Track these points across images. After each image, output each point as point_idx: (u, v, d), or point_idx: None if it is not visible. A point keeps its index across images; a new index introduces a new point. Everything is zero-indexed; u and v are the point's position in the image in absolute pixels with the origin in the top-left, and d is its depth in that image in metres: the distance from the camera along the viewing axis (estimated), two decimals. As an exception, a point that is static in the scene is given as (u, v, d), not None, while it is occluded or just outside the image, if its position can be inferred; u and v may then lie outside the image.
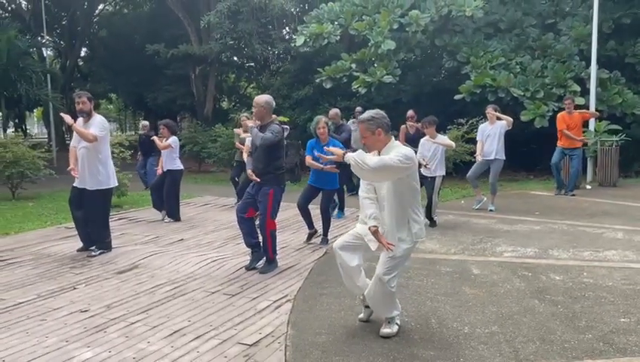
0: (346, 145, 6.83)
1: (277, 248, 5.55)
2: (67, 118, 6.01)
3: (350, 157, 3.46)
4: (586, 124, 11.59)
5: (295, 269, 5.41)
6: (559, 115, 10.13)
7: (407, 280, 4.85)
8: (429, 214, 7.31)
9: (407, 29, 12.93)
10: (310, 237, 6.65)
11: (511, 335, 3.61)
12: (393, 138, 3.62)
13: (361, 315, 3.97)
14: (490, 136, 8.28)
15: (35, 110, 38.27)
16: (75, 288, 4.91)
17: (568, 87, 11.64)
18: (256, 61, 21.82)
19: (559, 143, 10.00)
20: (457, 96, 12.21)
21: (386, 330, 3.64)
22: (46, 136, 33.45)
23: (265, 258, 5.41)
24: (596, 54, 11.49)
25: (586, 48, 12.31)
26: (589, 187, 10.73)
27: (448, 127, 11.35)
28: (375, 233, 3.51)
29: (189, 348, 3.55)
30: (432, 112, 13.61)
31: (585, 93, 11.73)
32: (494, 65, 12.19)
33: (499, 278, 4.85)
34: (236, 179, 10.05)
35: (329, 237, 6.57)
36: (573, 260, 5.42)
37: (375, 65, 13.06)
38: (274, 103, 5.39)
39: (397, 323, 3.68)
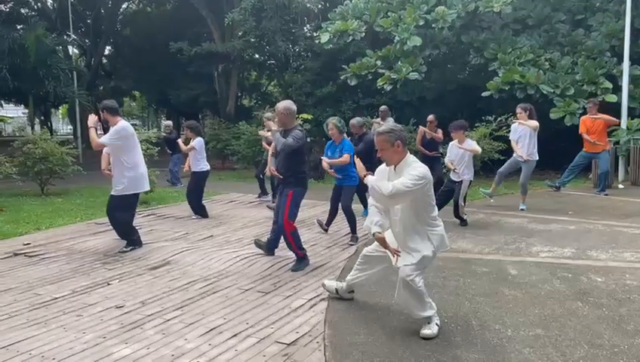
0: (365, 156, 6.09)
1: (305, 245, 5.49)
2: (90, 120, 5.96)
3: (368, 181, 3.55)
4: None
5: (327, 268, 5.35)
6: (582, 118, 9.86)
7: (443, 281, 4.75)
8: (457, 214, 7.20)
9: (433, 25, 12.78)
10: (320, 225, 7.07)
11: (557, 338, 3.50)
12: (409, 153, 3.63)
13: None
14: (522, 136, 8.07)
15: (60, 107, 38.89)
16: (108, 284, 4.92)
17: (600, 84, 11.38)
18: (277, 59, 21.81)
19: (584, 148, 9.77)
20: (485, 93, 12.02)
21: (426, 331, 3.56)
22: (70, 134, 33.96)
23: (295, 257, 5.38)
24: (629, 51, 11.20)
25: (617, 44, 12.02)
26: (621, 186, 10.47)
27: (476, 125, 11.19)
28: (380, 240, 3.66)
29: (226, 346, 3.52)
30: (457, 110, 13.51)
31: (617, 90, 11.46)
32: (523, 62, 11.96)
33: (538, 279, 4.73)
34: (261, 176, 10.08)
35: (358, 234, 6.55)
36: (614, 261, 5.26)
37: (400, 62, 12.93)
38: (294, 107, 5.36)
39: (437, 324, 3.59)
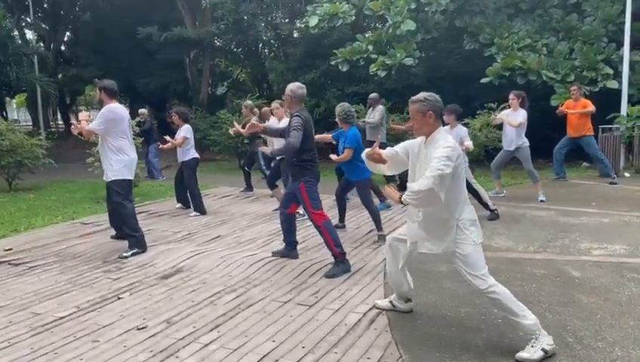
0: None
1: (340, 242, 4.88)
2: (82, 116, 5.70)
3: (405, 199, 3.13)
4: (617, 109, 11.12)
5: (365, 272, 4.75)
6: (565, 103, 9.69)
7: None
8: (482, 202, 6.72)
9: (426, 8, 12.26)
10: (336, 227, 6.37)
11: (677, 357, 3.03)
12: (441, 126, 3.31)
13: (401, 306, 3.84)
14: (507, 126, 7.72)
15: (15, 97, 36.70)
16: (119, 298, 4.21)
17: (600, 70, 11.10)
18: (248, 46, 20.80)
19: (567, 133, 9.62)
20: (484, 80, 11.58)
21: (524, 355, 3.00)
22: (29, 124, 32.01)
23: (333, 260, 4.78)
24: (629, 37, 10.94)
25: (613, 30, 11.78)
26: (627, 175, 10.23)
27: (478, 112, 10.76)
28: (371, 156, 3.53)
29: (291, 380, 2.91)
30: (446, 97, 13.01)
31: (615, 76, 11.21)
32: (521, 47, 11.58)
33: (609, 282, 4.27)
34: (246, 169, 9.48)
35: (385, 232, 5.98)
36: (674, 258, 4.87)
37: (393, 46, 12.37)
38: (301, 91, 4.88)
39: (544, 350, 3.01)
